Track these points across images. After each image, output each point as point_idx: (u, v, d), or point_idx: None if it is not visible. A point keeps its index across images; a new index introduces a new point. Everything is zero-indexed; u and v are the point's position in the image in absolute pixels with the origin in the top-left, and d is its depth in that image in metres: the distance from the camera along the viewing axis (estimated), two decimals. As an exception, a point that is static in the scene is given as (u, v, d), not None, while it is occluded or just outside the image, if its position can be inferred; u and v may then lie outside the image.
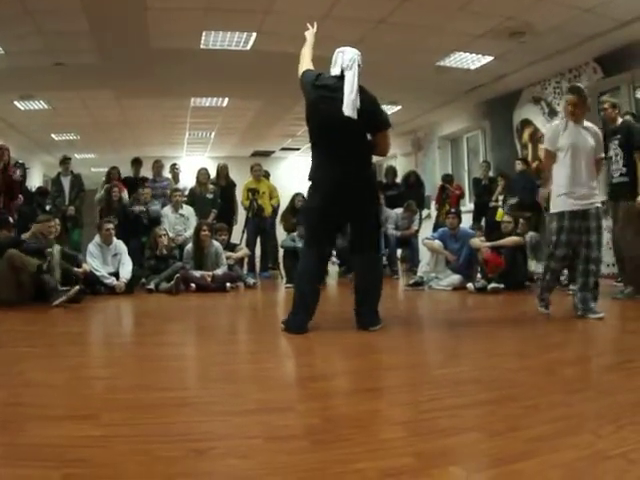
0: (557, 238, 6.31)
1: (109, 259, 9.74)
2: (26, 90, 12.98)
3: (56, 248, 8.40)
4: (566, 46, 10.44)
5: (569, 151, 6.24)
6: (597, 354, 4.81)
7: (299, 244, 10.77)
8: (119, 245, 9.95)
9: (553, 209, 6.41)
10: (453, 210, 10.58)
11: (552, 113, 12.32)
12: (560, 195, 6.28)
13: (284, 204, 13.04)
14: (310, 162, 5.80)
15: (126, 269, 9.67)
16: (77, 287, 7.95)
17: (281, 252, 11.51)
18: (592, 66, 11.08)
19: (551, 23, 9.41)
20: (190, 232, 10.85)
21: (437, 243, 9.95)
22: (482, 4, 8.83)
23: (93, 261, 9.48)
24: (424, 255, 11.12)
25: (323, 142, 5.71)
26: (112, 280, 9.38)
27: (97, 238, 9.87)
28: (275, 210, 13.32)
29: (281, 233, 12.55)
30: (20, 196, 10.56)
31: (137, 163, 13.07)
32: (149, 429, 2.85)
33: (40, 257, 8.06)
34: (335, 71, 5.96)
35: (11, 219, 9.19)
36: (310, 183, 5.80)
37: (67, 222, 11.67)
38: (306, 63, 6.35)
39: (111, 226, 9.87)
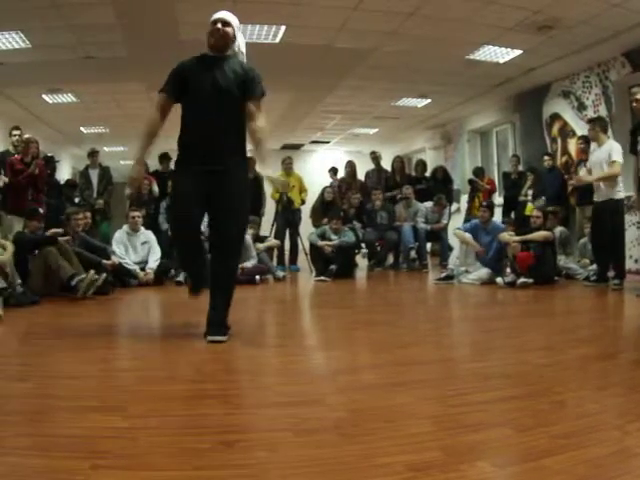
0: None
1: (138, 246, 9.84)
2: (54, 84, 13.08)
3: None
4: (594, 40, 10.35)
5: None
6: (626, 350, 4.78)
7: (319, 240, 10.87)
8: (148, 234, 10.06)
9: None
10: (485, 203, 10.49)
11: (581, 107, 12.25)
12: None
13: (313, 198, 13.02)
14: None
15: (153, 258, 9.77)
16: (104, 275, 8.04)
17: (307, 245, 11.51)
18: (620, 60, 11.00)
19: (579, 17, 9.34)
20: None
21: (467, 235, 9.91)
22: (510, -3, 8.79)
23: (118, 247, 9.60)
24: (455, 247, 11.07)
25: None
26: (136, 267, 9.51)
27: (125, 226, 10.02)
28: (303, 202, 13.32)
29: (307, 227, 12.53)
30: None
31: (165, 159, 13.02)
32: (177, 421, 2.89)
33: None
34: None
35: (41, 210, 9.25)
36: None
37: (95, 215, 11.72)
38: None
39: (137, 214, 9.99)
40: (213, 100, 4.89)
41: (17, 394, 3.41)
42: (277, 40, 10.66)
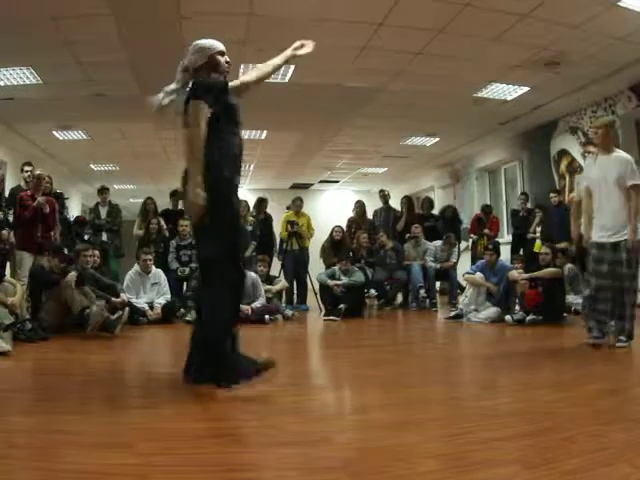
0: None
1: (148, 287, 9.92)
2: (65, 120, 13.22)
3: (72, 275, 8.32)
4: (601, 75, 10.47)
5: None
6: (634, 385, 4.76)
7: (329, 280, 10.86)
8: (158, 274, 10.12)
9: None
10: (491, 246, 10.44)
11: (588, 143, 12.26)
12: None
13: (322, 237, 12.96)
14: None
15: (162, 297, 9.88)
16: (120, 312, 8.16)
17: (317, 285, 11.47)
18: (627, 94, 11.05)
19: (585, 52, 9.44)
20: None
21: (479, 275, 9.88)
22: (516, 35, 8.87)
23: (128, 289, 9.61)
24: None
25: None
26: (145, 306, 9.55)
27: (136, 267, 10.09)
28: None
29: (316, 266, 12.53)
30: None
31: (175, 195, 13.06)
32: (185, 459, 2.88)
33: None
34: None
35: (66, 250, 9.27)
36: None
37: (107, 251, 11.73)
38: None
39: (149, 257, 10.04)
40: None
41: (24, 428, 3.43)
42: (286, 80, 10.75)
